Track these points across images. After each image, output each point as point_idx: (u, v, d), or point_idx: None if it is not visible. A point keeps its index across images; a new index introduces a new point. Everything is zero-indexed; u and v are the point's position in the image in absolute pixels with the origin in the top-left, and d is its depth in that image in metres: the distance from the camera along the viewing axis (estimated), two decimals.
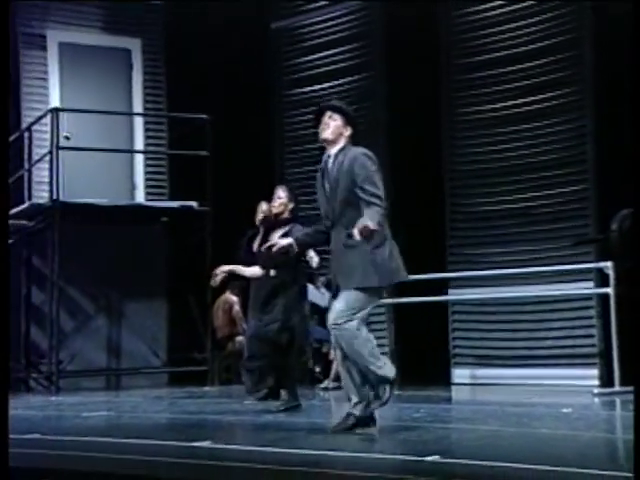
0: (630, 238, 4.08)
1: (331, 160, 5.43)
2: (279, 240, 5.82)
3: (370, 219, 5.07)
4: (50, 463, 4.69)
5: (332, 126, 5.40)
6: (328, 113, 5.44)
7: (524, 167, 9.80)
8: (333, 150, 5.42)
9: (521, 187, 9.81)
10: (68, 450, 5.07)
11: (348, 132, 5.42)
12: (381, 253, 5.31)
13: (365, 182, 5.25)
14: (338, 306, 5.30)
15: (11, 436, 5.79)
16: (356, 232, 5.09)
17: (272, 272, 7.07)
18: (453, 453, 4.78)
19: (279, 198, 7.16)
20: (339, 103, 5.63)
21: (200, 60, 11.31)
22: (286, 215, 7.14)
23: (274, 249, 5.69)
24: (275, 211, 7.18)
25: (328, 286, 10.52)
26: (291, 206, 7.14)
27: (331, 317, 5.31)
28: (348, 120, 5.44)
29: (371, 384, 5.40)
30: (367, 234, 5.07)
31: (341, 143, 5.41)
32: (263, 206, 7.97)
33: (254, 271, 7.29)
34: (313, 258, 7.08)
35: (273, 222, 7.23)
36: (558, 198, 9.59)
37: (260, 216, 7.88)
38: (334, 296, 5.47)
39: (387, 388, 5.40)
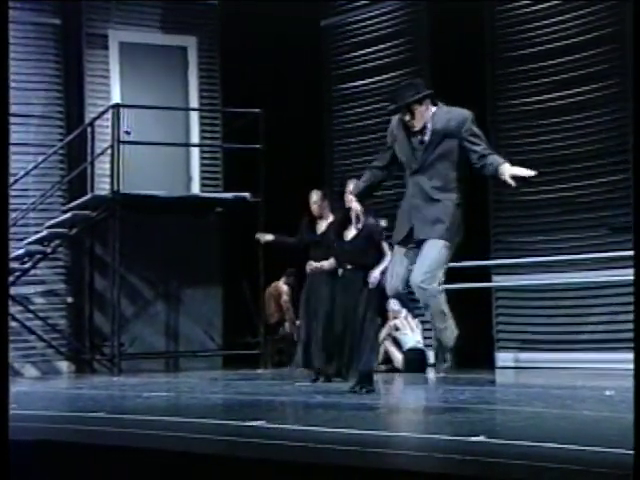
0: None
1: (431, 120, 5.57)
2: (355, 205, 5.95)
3: (510, 167, 5.35)
4: (114, 440, 4.78)
5: (417, 115, 5.59)
6: (411, 107, 5.61)
7: (566, 157, 9.89)
8: (428, 123, 5.58)
9: (563, 177, 9.90)
10: (130, 428, 5.19)
11: (429, 108, 5.59)
12: (460, 211, 5.57)
13: (477, 138, 5.52)
14: (424, 266, 5.46)
15: (78, 414, 6.18)
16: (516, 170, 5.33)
17: (348, 266, 7.22)
18: (498, 434, 4.77)
19: (351, 192, 7.08)
20: (420, 92, 5.62)
21: (253, 57, 11.47)
22: (360, 207, 7.28)
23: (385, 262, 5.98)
24: (350, 205, 7.34)
25: None
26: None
27: (417, 277, 5.47)
28: (426, 101, 5.61)
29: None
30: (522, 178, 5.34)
31: (428, 117, 5.58)
32: (314, 196, 8.22)
33: (330, 263, 7.54)
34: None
35: (346, 216, 7.22)
36: (599, 188, 9.66)
37: (315, 207, 8.12)
38: (403, 243, 5.61)
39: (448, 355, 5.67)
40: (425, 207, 5.57)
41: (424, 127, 5.61)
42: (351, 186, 7.30)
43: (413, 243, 5.63)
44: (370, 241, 7.20)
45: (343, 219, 7.40)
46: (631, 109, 9.10)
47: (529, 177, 5.37)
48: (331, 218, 8.14)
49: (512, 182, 5.38)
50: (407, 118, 5.65)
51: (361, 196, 5.94)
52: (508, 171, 5.42)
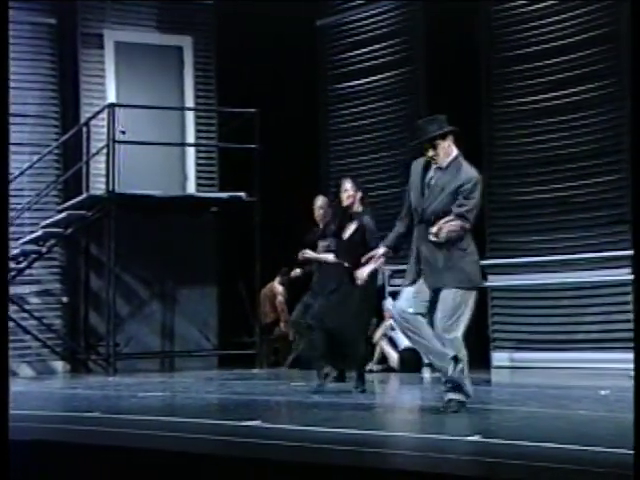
0: None
1: (444, 166, 5.69)
2: (379, 250, 6.02)
3: (451, 223, 5.51)
4: (108, 440, 4.82)
5: (440, 151, 5.68)
6: (434, 142, 5.69)
7: (561, 157, 9.91)
8: (445, 162, 5.70)
9: (558, 177, 9.92)
10: (125, 428, 5.24)
11: (452, 148, 5.72)
12: (470, 255, 5.67)
13: (465, 199, 5.61)
14: (444, 315, 5.58)
15: (73, 414, 6.19)
16: (435, 229, 5.50)
17: (346, 263, 7.21)
18: (494, 433, 4.84)
19: (345, 191, 7.26)
20: (444, 127, 5.74)
21: (249, 56, 11.47)
22: (356, 206, 7.25)
23: (376, 263, 6.01)
24: (346, 204, 7.27)
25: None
26: (359, 196, 7.26)
27: (439, 327, 5.58)
28: (449, 137, 5.72)
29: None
30: (440, 232, 5.49)
31: (450, 159, 5.70)
32: (319, 201, 8.17)
33: (329, 257, 7.51)
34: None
35: (344, 215, 7.35)
36: (594, 187, 9.68)
37: (320, 212, 8.07)
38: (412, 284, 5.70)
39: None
40: (431, 255, 5.65)
41: (447, 164, 5.68)
42: (347, 185, 7.33)
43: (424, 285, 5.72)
44: (364, 239, 7.20)
45: (341, 218, 7.41)
46: (629, 108, 9.11)
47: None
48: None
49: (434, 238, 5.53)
50: (430, 154, 5.70)
51: (391, 247, 5.99)
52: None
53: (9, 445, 4.36)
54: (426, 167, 5.77)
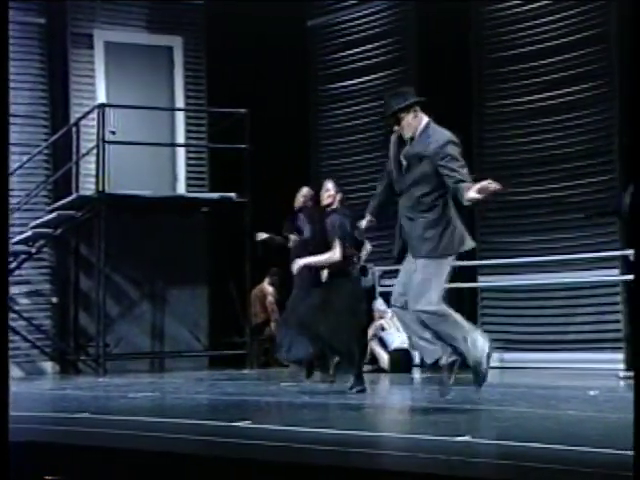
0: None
1: (415, 137, 5.65)
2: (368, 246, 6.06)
3: (474, 186, 5.40)
4: (98, 441, 4.81)
5: (405, 125, 5.65)
6: (398, 115, 5.67)
7: (553, 158, 9.95)
8: (417, 133, 5.65)
9: (549, 177, 9.96)
10: (115, 429, 5.25)
11: (421, 118, 5.67)
12: (446, 224, 5.63)
13: (450, 162, 5.55)
14: (415, 292, 5.56)
15: (62, 415, 6.17)
16: (472, 194, 5.38)
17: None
18: (483, 434, 4.86)
19: (327, 190, 7.41)
20: (404, 100, 5.68)
21: (239, 57, 11.46)
22: (335, 205, 7.37)
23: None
24: (326, 202, 7.41)
25: (362, 273, 10.84)
26: (339, 197, 7.39)
27: (412, 304, 5.56)
28: (415, 108, 5.67)
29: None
30: (486, 192, 5.41)
31: (420, 129, 5.65)
32: (304, 190, 8.31)
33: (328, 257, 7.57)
34: (366, 246, 7.38)
35: (321, 211, 7.51)
36: (585, 188, 9.72)
37: (301, 200, 8.19)
38: (399, 260, 5.76)
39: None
40: (407, 227, 5.70)
41: (418, 135, 5.66)
42: (328, 185, 7.44)
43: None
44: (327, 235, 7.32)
45: (319, 216, 7.55)
46: (619, 108, 9.15)
47: (495, 190, 5.41)
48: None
49: (476, 198, 5.42)
50: (396, 128, 5.71)
51: (373, 215, 6.00)
52: (467, 197, 5.45)
53: (9, 446, 4.36)
54: (400, 140, 5.76)
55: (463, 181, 5.51)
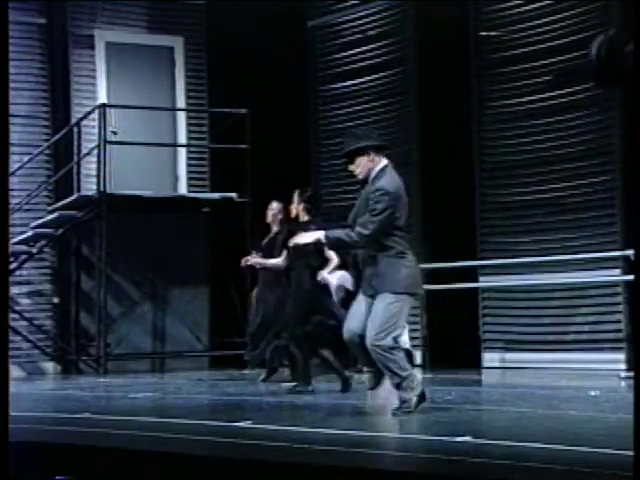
0: (609, 63, 4.15)
1: (369, 179, 5.77)
2: (308, 234, 6.02)
3: (321, 234, 5.69)
4: (99, 441, 4.85)
5: (360, 166, 5.75)
6: (349, 158, 5.79)
7: (552, 158, 9.93)
8: (371, 176, 5.76)
9: (549, 178, 9.95)
10: (116, 429, 5.28)
11: (378, 161, 5.75)
12: (403, 263, 5.65)
13: (367, 214, 5.65)
14: (373, 327, 5.56)
15: (63, 415, 6.18)
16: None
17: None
18: (483, 434, 4.86)
19: (292, 204, 7.63)
20: (358, 143, 5.78)
21: (240, 57, 11.43)
22: (302, 216, 7.55)
23: (303, 241, 5.98)
24: (292, 215, 7.68)
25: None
26: (302, 207, 7.54)
27: (369, 338, 5.55)
28: (374, 149, 5.76)
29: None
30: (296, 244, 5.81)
31: (375, 171, 5.74)
32: (273, 205, 8.45)
33: (275, 262, 7.91)
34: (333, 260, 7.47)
35: (295, 226, 7.64)
36: (585, 188, 9.70)
37: (270, 214, 8.43)
38: (348, 301, 5.91)
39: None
40: (368, 264, 5.70)
41: (373, 177, 5.73)
42: (294, 198, 7.66)
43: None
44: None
45: (290, 229, 7.73)
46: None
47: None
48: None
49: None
50: (350, 168, 5.81)
51: (330, 239, 5.94)
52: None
53: (9, 446, 4.36)
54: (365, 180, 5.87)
55: (352, 237, 5.61)
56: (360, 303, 5.72)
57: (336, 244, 5.80)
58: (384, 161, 5.78)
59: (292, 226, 7.73)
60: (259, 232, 9.20)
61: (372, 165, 5.73)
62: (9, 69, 6.96)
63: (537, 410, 6.00)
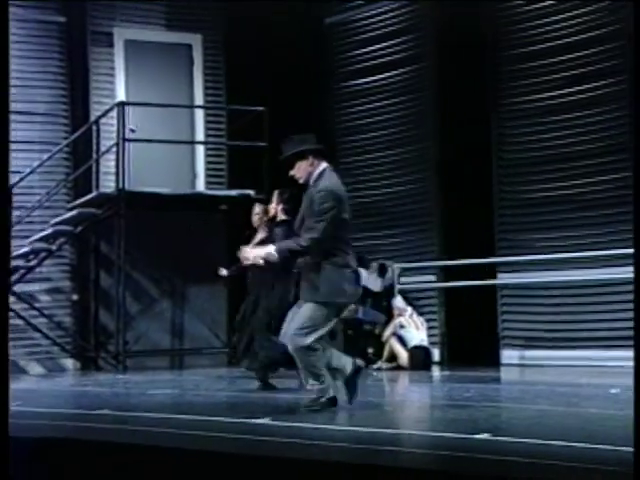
0: None
1: (310, 183, 5.84)
2: (258, 251, 6.13)
3: (272, 249, 5.77)
4: (118, 437, 4.87)
5: (300, 170, 5.81)
6: (289, 163, 5.86)
7: (570, 155, 9.92)
8: (311, 180, 5.83)
9: (567, 174, 9.93)
10: (135, 425, 5.28)
11: (317, 165, 5.81)
12: (328, 273, 5.70)
13: (312, 217, 5.68)
14: (294, 323, 5.71)
15: (82, 411, 6.21)
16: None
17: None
18: (503, 431, 4.83)
19: (271, 203, 7.81)
20: (297, 147, 5.85)
21: (258, 54, 11.48)
22: (279, 216, 7.69)
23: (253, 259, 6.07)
24: (271, 214, 7.85)
25: (381, 271, 10.86)
26: (280, 207, 7.68)
27: (288, 331, 5.70)
28: (313, 153, 5.82)
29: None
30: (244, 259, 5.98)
31: (315, 174, 5.81)
32: (257, 208, 8.46)
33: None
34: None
35: (272, 225, 7.85)
36: (606, 184, 9.68)
37: (255, 217, 8.36)
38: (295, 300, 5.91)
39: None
40: (306, 270, 5.77)
41: (314, 180, 5.78)
42: (273, 197, 7.82)
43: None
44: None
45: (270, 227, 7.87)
46: (633, 108, 9.10)
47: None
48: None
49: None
50: (291, 172, 5.86)
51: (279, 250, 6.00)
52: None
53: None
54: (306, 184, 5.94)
55: (301, 244, 5.67)
56: (298, 308, 5.84)
57: (288, 254, 5.79)
58: (323, 164, 5.87)
59: (269, 225, 7.91)
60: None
61: (312, 169, 5.82)
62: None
63: (557, 408, 5.97)
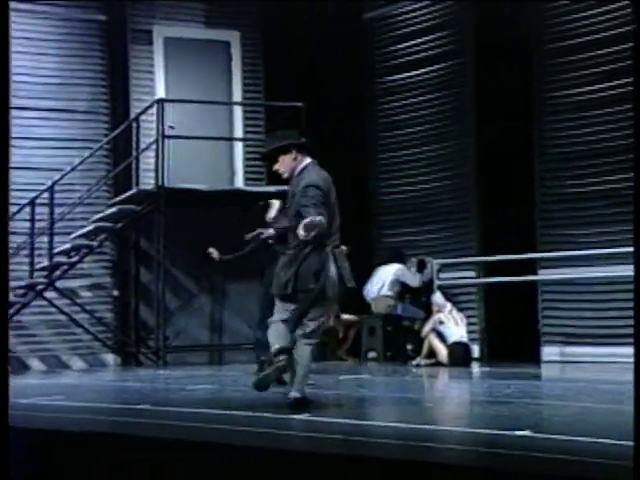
0: None
1: (294, 177, 5.89)
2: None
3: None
4: (158, 432, 4.88)
5: (284, 164, 5.88)
6: (271, 158, 5.94)
7: (612, 149, 9.79)
8: (295, 173, 5.87)
9: (609, 169, 9.81)
10: (174, 420, 5.32)
11: (301, 159, 5.87)
12: (279, 264, 5.84)
13: (303, 198, 5.71)
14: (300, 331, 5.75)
15: (123, 406, 6.27)
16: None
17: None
18: (544, 428, 4.80)
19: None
20: (280, 142, 5.93)
21: (296, 50, 11.48)
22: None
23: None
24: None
25: (420, 266, 10.83)
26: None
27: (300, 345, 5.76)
28: (297, 148, 5.87)
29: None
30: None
31: (298, 169, 5.86)
32: (275, 204, 8.46)
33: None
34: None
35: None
36: None
37: (273, 213, 8.39)
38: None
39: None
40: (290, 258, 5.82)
41: (297, 174, 5.85)
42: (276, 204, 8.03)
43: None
44: None
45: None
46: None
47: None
48: None
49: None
50: (275, 167, 5.93)
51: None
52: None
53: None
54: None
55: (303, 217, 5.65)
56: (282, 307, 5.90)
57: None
58: (307, 159, 5.90)
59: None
60: None
61: (295, 164, 5.87)
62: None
63: (600, 405, 5.90)
